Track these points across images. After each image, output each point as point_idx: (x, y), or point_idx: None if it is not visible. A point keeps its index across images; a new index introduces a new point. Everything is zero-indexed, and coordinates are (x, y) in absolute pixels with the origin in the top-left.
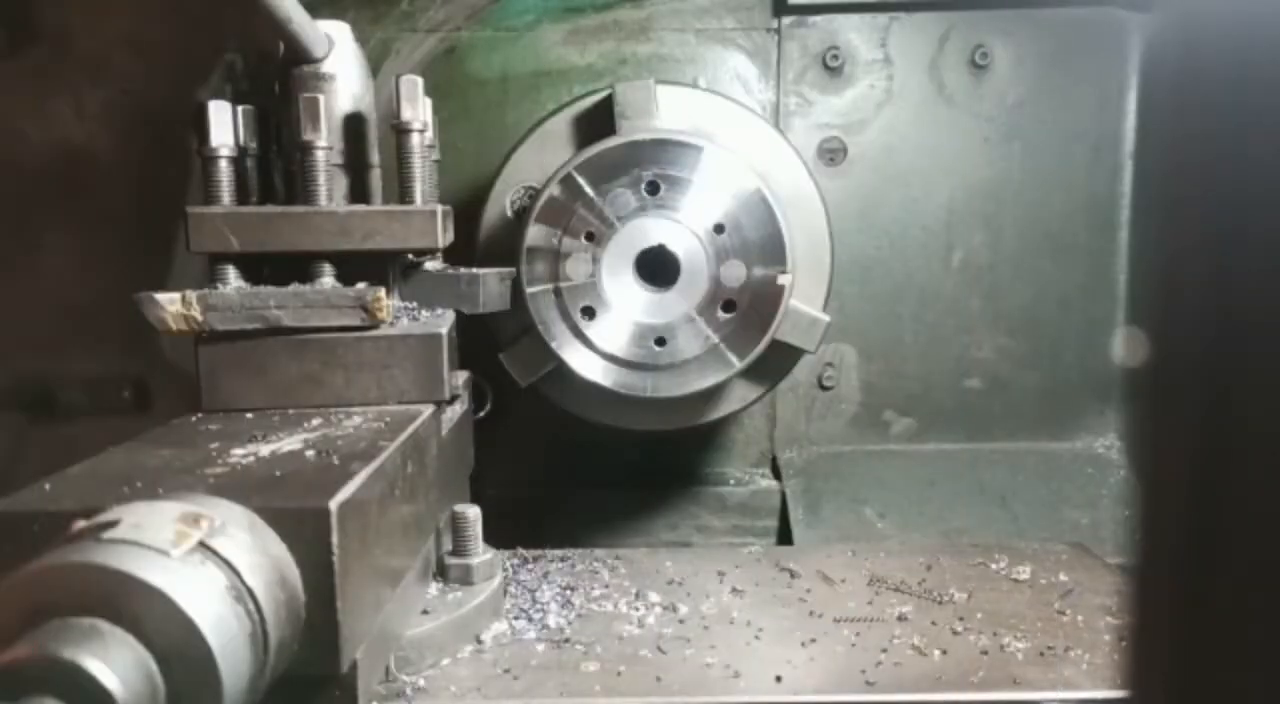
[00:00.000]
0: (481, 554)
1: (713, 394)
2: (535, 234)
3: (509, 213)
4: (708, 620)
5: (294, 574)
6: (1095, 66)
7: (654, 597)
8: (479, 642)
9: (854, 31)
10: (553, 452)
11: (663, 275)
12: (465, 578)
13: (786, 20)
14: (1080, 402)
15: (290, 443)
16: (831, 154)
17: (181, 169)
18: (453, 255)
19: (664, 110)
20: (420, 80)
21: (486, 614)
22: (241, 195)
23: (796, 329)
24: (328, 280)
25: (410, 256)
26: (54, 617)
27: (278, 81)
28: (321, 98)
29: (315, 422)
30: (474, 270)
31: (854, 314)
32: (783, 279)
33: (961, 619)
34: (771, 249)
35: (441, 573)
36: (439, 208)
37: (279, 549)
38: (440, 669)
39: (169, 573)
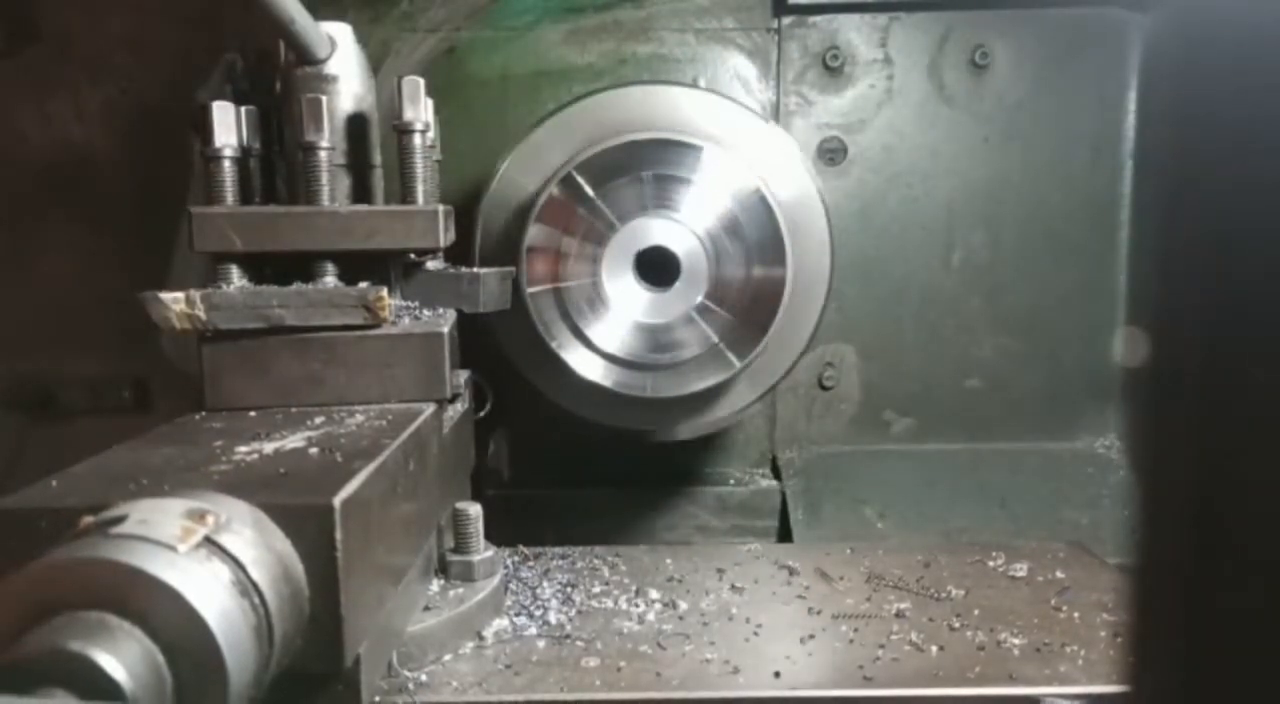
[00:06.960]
0: (483, 551)
1: (712, 394)
2: (535, 234)
3: None
4: (707, 617)
5: (298, 570)
6: (1095, 66)
7: (654, 593)
8: (480, 638)
9: (854, 31)
10: (553, 451)
11: (663, 275)
12: (467, 575)
13: (786, 20)
14: (1080, 402)
15: (294, 441)
16: (831, 154)
17: (181, 169)
18: (453, 255)
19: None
20: (422, 81)
21: (488, 611)
22: (244, 195)
23: None
24: (330, 280)
25: (412, 256)
26: (62, 611)
27: (279, 82)
28: (324, 98)
29: (318, 420)
30: (474, 270)
31: (854, 314)
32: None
33: (959, 615)
34: (771, 249)
35: (443, 570)
36: (440, 208)
37: (283, 545)
38: (442, 665)
39: (175, 568)
